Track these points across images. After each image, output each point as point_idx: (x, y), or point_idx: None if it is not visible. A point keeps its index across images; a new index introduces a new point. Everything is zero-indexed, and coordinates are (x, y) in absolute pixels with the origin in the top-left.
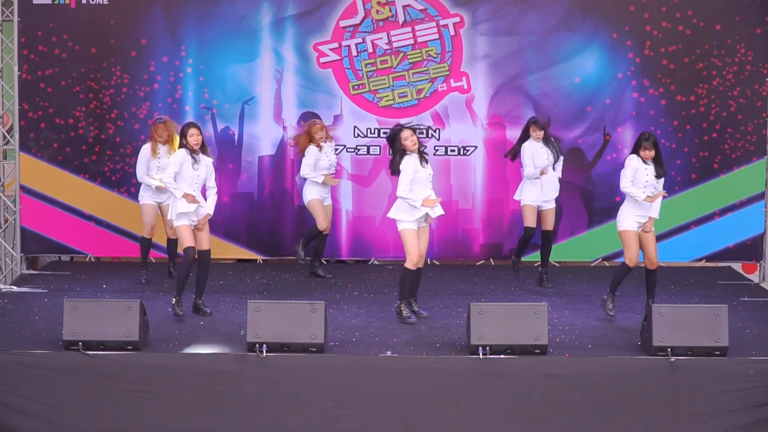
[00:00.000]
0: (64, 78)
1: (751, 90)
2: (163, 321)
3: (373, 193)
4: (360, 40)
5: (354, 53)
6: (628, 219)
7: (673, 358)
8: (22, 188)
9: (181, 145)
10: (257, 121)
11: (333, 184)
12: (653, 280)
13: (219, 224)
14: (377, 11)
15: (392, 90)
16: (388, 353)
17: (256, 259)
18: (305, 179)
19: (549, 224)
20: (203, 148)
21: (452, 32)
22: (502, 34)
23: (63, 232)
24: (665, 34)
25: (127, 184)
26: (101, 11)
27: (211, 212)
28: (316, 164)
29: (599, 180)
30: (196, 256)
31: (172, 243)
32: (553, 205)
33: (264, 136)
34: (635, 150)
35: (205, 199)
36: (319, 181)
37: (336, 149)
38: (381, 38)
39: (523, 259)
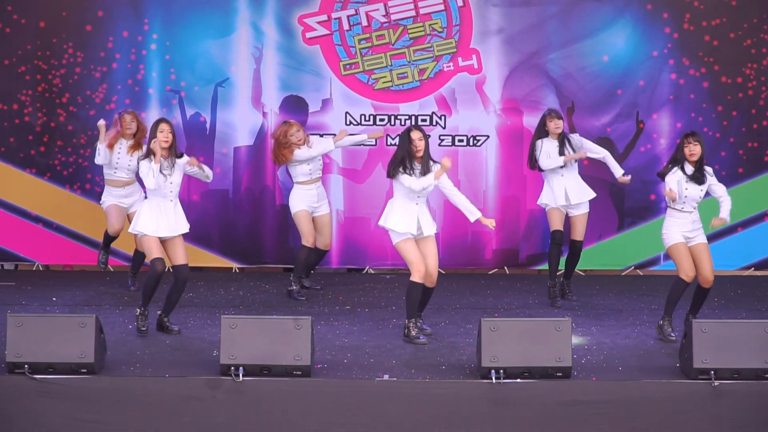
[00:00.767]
0: (7, 56)
1: None
2: (123, 340)
3: (367, 191)
4: (352, 11)
5: (346, 27)
6: (674, 233)
7: (716, 383)
8: None
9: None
10: (232, 107)
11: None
12: (703, 298)
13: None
14: None
15: (390, 70)
16: (386, 377)
17: (232, 268)
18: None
19: (578, 233)
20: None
21: (460, 2)
22: (518, 4)
23: (5, 236)
24: (707, 5)
25: (80, 180)
26: None
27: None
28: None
29: (631, 175)
30: (168, 270)
31: (140, 254)
32: (584, 210)
33: (240, 124)
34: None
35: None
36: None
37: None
38: (377, 9)
39: (544, 266)
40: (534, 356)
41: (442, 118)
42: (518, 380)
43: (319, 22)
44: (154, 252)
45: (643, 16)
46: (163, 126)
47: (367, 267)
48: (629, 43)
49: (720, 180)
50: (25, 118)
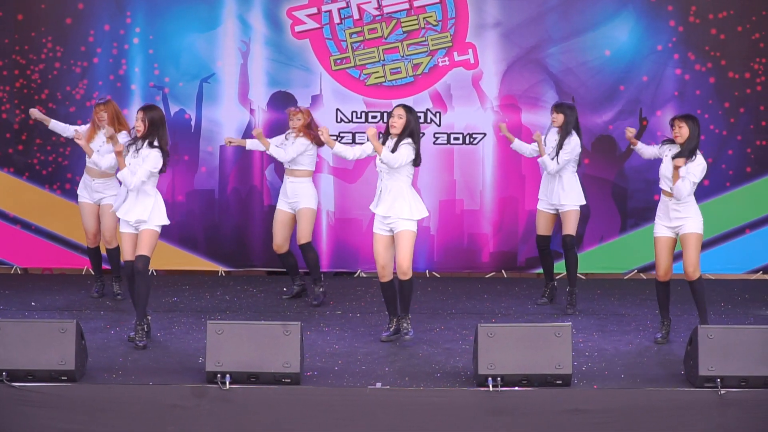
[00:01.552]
0: None
1: None
2: (105, 346)
3: (359, 191)
4: (343, 4)
5: (336, 20)
6: (656, 223)
7: (723, 391)
8: None
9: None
10: (218, 103)
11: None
12: (696, 295)
13: (173, 228)
14: None
15: (383, 65)
16: (378, 385)
17: (218, 271)
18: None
19: (565, 227)
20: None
21: None
22: None
23: None
24: None
25: (60, 180)
26: None
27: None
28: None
29: (634, 175)
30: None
31: (113, 253)
32: (571, 207)
33: (227, 121)
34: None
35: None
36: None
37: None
38: (369, 2)
39: (539, 271)
40: (533, 363)
41: (437, 115)
42: (516, 388)
43: (308, 15)
44: (125, 252)
45: (646, 9)
46: (138, 114)
47: (359, 270)
48: (632, 36)
49: (726, 179)
50: (3, 115)
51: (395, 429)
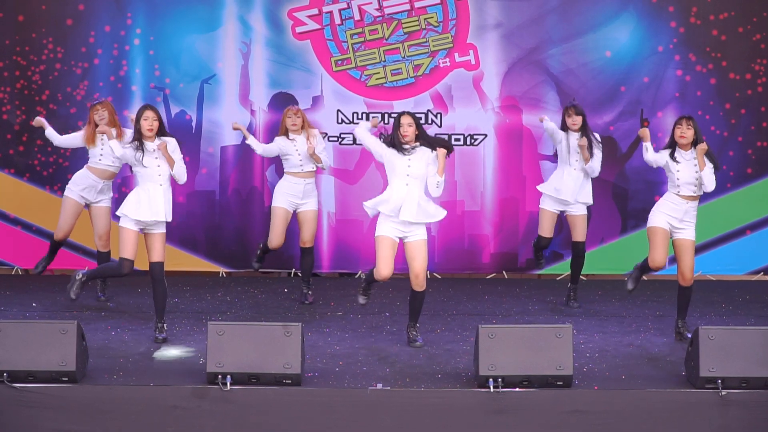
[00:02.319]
0: None
1: None
2: (105, 347)
3: (360, 192)
4: (344, 5)
5: (337, 21)
6: (659, 216)
7: (724, 392)
8: None
9: (135, 133)
10: (219, 104)
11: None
12: (686, 299)
13: (173, 229)
14: None
15: (384, 66)
16: (379, 386)
17: (218, 272)
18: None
19: (579, 234)
20: (162, 133)
21: None
22: None
23: None
24: None
25: (61, 181)
26: None
27: (179, 176)
28: (285, 158)
29: (635, 176)
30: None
31: (103, 257)
32: (583, 210)
33: (227, 123)
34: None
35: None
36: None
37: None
38: (370, 3)
39: (546, 271)
40: (533, 364)
41: (438, 116)
42: (517, 389)
43: (309, 16)
44: (128, 249)
45: (647, 10)
46: (148, 113)
47: (360, 271)
48: (633, 37)
49: (727, 180)
50: (3, 116)
51: (396, 430)
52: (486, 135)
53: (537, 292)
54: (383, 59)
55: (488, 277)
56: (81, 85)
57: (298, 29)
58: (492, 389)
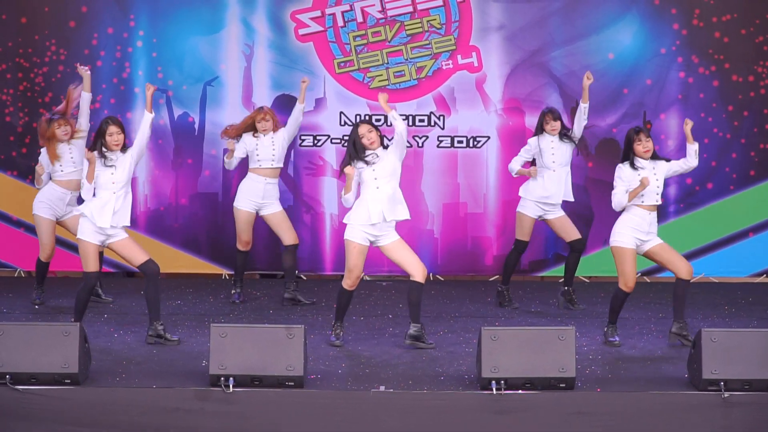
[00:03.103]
0: None
1: None
2: (108, 349)
3: None
4: (347, 7)
5: (340, 23)
6: (626, 235)
7: (726, 394)
8: None
9: (95, 147)
10: (222, 107)
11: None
12: (686, 297)
13: (176, 231)
14: None
15: (386, 68)
16: (381, 388)
17: (221, 274)
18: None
19: (572, 232)
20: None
21: None
22: (520, 0)
23: None
24: (717, 1)
25: None
26: None
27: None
28: (251, 155)
29: None
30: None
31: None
32: (561, 211)
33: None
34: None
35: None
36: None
37: (317, 140)
38: (373, 5)
39: (547, 273)
40: (536, 366)
41: (441, 118)
42: (520, 391)
43: (312, 19)
44: (90, 263)
45: (650, 12)
46: (112, 129)
47: (363, 274)
48: (636, 40)
49: (730, 183)
50: (6, 118)
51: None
52: (489, 137)
53: (539, 295)
54: (386, 61)
55: (491, 279)
56: None
57: (301, 31)
58: (495, 391)
